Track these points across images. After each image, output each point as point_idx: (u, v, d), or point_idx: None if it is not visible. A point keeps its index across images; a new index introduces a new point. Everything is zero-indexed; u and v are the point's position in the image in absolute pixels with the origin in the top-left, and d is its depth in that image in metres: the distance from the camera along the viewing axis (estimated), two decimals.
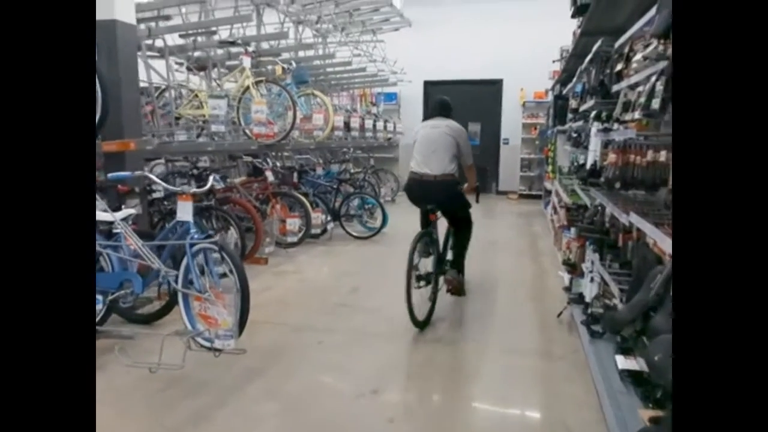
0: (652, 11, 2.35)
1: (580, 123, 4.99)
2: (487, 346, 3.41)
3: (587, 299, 3.52)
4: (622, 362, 2.44)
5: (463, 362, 3.20)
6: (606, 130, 3.04)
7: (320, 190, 6.99)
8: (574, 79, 5.34)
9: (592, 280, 3.26)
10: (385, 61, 8.92)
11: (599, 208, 3.10)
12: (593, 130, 3.44)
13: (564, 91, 6.79)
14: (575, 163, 5.30)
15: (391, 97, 12.08)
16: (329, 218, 6.48)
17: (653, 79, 2.33)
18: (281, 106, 5.75)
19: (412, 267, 3.44)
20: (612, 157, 2.89)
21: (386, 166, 11.53)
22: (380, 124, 8.95)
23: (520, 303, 4.32)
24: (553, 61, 7.36)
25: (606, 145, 3.24)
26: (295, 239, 5.73)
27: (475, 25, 11.25)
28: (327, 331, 3.68)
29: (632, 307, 2.22)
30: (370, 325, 3.78)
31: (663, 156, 2.65)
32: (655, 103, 2.26)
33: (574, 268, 3.82)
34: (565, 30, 8.11)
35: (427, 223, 3.74)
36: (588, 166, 3.48)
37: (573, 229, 4.42)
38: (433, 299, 3.73)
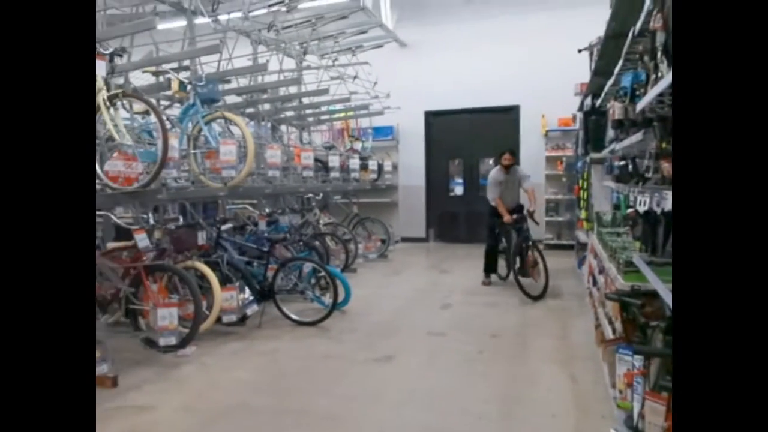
0: None
1: (636, 138, 2.79)
2: None
3: None
4: None
5: None
6: None
7: (249, 254, 4.92)
8: (617, 69, 3.19)
9: None
10: (357, 80, 6.94)
11: None
12: None
13: (598, 103, 4.61)
14: (630, 208, 3.08)
15: (386, 131, 10.09)
16: (251, 297, 4.35)
17: None
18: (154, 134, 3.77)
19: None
20: None
21: (380, 213, 9.44)
22: (354, 162, 6.85)
23: None
24: (591, 49, 5.14)
25: None
26: (172, 340, 3.58)
27: (482, 44, 9.39)
28: None
29: None
30: None
31: None
32: None
33: None
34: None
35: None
36: None
37: (640, 358, 2.15)
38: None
